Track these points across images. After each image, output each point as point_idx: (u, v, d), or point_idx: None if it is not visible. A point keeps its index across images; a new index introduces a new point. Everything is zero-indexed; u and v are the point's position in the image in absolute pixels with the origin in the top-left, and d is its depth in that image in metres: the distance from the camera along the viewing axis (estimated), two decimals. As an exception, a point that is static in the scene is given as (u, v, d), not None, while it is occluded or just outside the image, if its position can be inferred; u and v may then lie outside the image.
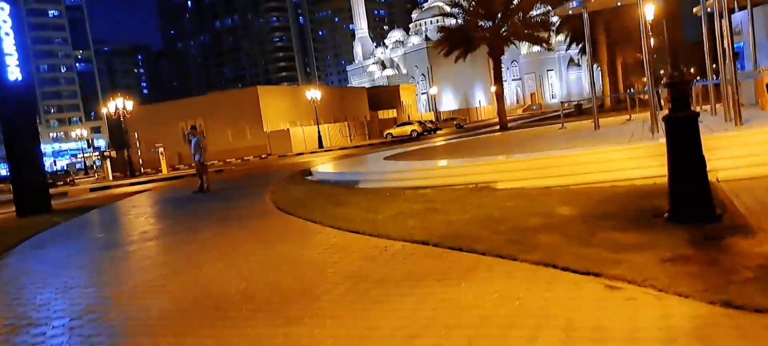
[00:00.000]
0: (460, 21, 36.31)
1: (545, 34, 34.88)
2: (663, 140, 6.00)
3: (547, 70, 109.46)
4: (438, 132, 57.10)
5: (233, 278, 5.80)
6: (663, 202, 6.08)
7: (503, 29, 34.43)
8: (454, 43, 35.70)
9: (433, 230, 6.62)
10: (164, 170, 37.33)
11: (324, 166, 17.24)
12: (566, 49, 48.48)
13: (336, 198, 10.37)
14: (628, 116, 20.47)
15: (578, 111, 47.69)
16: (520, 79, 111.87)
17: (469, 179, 10.14)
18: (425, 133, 53.59)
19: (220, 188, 17.51)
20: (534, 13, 35.05)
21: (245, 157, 48.35)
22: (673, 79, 5.67)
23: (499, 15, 33.84)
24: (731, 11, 18.49)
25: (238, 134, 51.60)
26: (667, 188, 5.86)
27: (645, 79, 13.85)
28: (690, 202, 5.58)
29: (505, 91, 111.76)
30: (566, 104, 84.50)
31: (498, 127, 36.86)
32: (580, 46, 63.93)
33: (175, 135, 52.20)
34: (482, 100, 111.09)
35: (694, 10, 20.05)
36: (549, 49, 40.50)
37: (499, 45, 34.36)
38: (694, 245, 4.85)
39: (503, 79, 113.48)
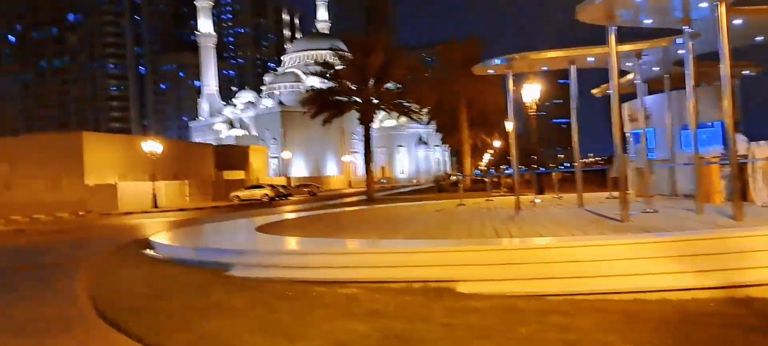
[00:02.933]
0: (329, 84, 33.76)
1: (414, 107, 33.48)
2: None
3: (397, 146, 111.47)
4: (290, 198, 53.35)
5: None
6: None
7: (373, 97, 32.45)
8: (323, 105, 32.88)
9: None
10: (-56, 224, 28.98)
11: (169, 235, 12.78)
12: (427, 124, 48.06)
13: (204, 297, 6.40)
14: (487, 197, 18.88)
15: (439, 188, 47.19)
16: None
17: (409, 274, 6.82)
18: (277, 199, 49.53)
19: (3, 261, 12.02)
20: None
21: (59, 214, 40.33)
22: None
23: (372, 81, 31.86)
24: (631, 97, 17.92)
25: (51, 186, 43.33)
26: None
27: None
28: None
29: (356, 162, 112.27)
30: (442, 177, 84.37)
31: (364, 197, 34.29)
32: (431, 125, 65.06)
33: (-34, 181, 42.55)
34: (334, 169, 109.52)
35: (594, 91, 19.19)
36: (416, 121, 39.34)
37: (370, 111, 32.17)
38: None
39: (355, 150, 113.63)
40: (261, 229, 12.09)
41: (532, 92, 22.49)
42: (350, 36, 32.09)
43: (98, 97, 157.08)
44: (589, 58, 12.09)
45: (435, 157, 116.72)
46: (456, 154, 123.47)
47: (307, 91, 36.51)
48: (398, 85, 32.46)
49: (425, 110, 62.90)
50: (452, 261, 6.86)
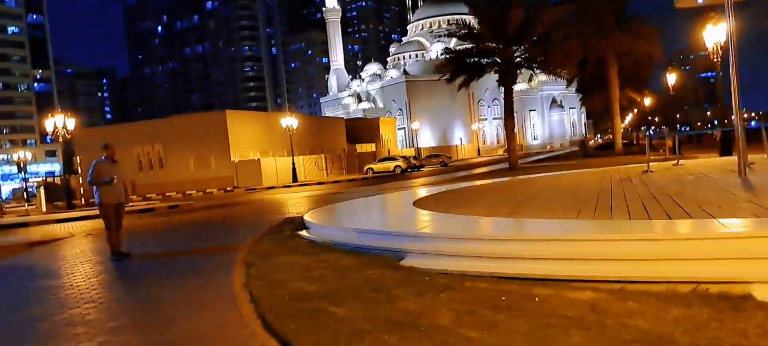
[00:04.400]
0: (465, 45, 31.59)
1: (562, 64, 30.30)
2: None
3: (529, 111, 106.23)
4: (422, 169, 52.15)
5: None
6: None
7: (517, 55, 29.82)
8: (459, 68, 30.82)
9: None
10: (109, 202, 31.17)
11: (323, 214, 11.64)
12: (569, 84, 44.23)
13: (388, 302, 4.90)
14: (676, 161, 15.63)
15: (584, 152, 43.51)
16: (500, 118, 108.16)
17: (666, 270, 4.84)
18: (409, 170, 48.53)
19: (154, 248, 10.76)
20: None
21: (208, 190, 42.34)
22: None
23: (512, 37, 29.24)
24: None
25: (201, 163, 45.57)
26: None
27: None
28: None
29: (486, 130, 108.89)
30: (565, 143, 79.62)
31: (506, 166, 32.01)
32: (573, 85, 60.37)
33: (128, 162, 45.88)
34: (462, 138, 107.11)
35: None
36: (563, 80, 36.04)
37: (512, 71, 29.64)
38: None
39: (483, 117, 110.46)
40: (419, 205, 10.57)
41: (715, 34, 18.84)
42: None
43: (236, 79, 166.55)
44: None
45: (570, 121, 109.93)
46: (592, 117, 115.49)
47: (442, 53, 34.39)
48: (542, 42, 29.50)
49: (542, 78, 58.30)
50: (735, 252, 4.78)
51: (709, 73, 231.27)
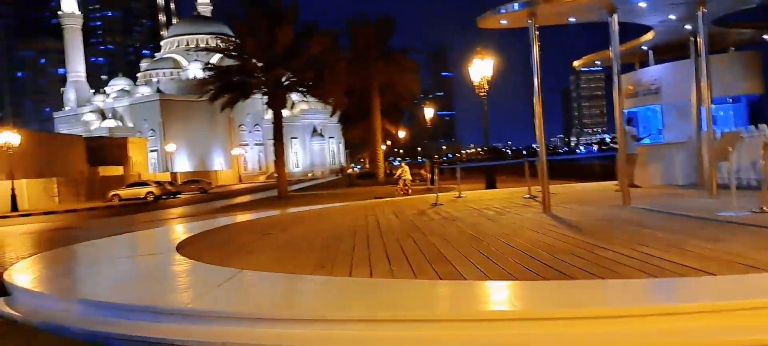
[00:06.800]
0: (230, 62, 29.06)
1: (331, 90, 29.67)
2: None
3: (292, 138, 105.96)
4: (179, 196, 47.44)
5: None
6: None
7: (284, 78, 28.27)
8: (224, 86, 28.09)
9: None
10: None
11: (38, 265, 8.21)
12: (332, 113, 44.38)
13: None
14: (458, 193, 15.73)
15: (348, 181, 43.76)
16: (262, 144, 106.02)
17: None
18: (164, 197, 43.61)
19: None
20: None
21: None
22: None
23: (281, 57, 27.62)
24: (644, 64, 15.58)
25: None
26: None
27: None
28: None
29: (248, 155, 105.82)
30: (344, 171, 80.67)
31: (275, 194, 30.08)
32: (328, 115, 61.44)
33: None
34: (221, 164, 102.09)
35: (575, 63, 16.67)
36: (334, 109, 35.62)
37: (281, 94, 27.97)
38: None
39: (246, 142, 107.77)
40: (185, 251, 8.01)
41: (482, 69, 19.62)
42: (253, 6, 27.50)
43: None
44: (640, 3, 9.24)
45: (330, 150, 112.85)
46: (350, 147, 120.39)
47: (204, 69, 31.28)
48: (312, 65, 28.48)
49: (303, 106, 59.07)
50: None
51: (445, 112, 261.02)
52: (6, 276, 6.90)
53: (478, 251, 6.44)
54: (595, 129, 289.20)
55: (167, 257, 7.57)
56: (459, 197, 14.53)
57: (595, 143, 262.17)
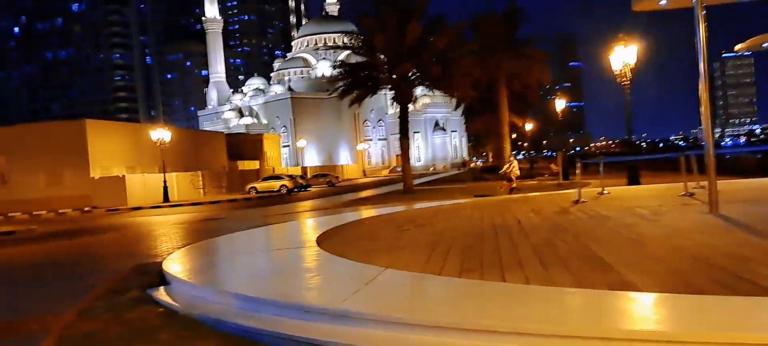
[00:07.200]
0: (358, 59, 29.58)
1: (459, 83, 29.11)
2: None
3: (414, 133, 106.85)
4: (309, 189, 49.42)
5: None
6: None
7: (412, 73, 28.23)
8: (353, 83, 28.65)
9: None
10: (-73, 226, 25.07)
11: (192, 260, 8.58)
12: (456, 107, 43.89)
13: None
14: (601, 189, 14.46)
15: (472, 175, 43.08)
16: (385, 139, 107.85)
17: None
18: (296, 190, 45.60)
19: None
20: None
21: (61, 210, 36.61)
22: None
23: (409, 52, 27.60)
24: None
25: (53, 179, 39.51)
26: None
27: None
28: None
29: (371, 150, 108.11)
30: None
31: (400, 187, 30.25)
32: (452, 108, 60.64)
33: (-41, 176, 38.78)
34: (347, 158, 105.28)
35: (738, 47, 14.95)
36: (461, 102, 35.18)
37: (408, 89, 27.98)
38: None
39: (370, 137, 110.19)
40: (326, 245, 8.04)
41: (624, 56, 18.19)
42: (383, 4, 27.69)
43: (104, 89, 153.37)
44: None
45: (452, 144, 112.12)
46: (472, 140, 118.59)
47: (335, 67, 32.13)
48: (440, 59, 28.18)
49: (426, 100, 58.45)
50: None
51: (573, 103, 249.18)
52: (164, 266, 7.30)
53: (645, 257, 5.77)
54: (743, 119, 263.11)
55: (310, 251, 7.63)
56: (602, 193, 13.52)
57: (743, 135, 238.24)
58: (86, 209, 36.77)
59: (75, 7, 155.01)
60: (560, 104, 34.96)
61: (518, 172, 23.46)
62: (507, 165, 23.36)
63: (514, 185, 22.28)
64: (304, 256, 7.39)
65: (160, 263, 7.93)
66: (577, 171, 13.31)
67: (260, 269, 7.25)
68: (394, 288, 5.32)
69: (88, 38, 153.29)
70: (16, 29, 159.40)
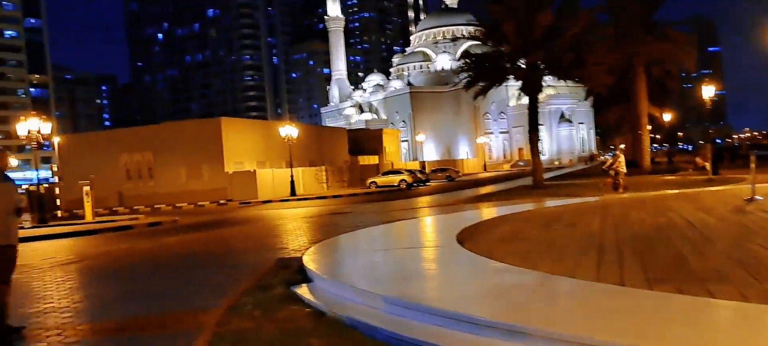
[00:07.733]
0: (482, 49, 28.56)
1: (592, 71, 27.10)
2: None
3: (538, 125, 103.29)
4: (428, 184, 48.99)
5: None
6: None
7: (541, 62, 26.71)
8: (481, 73, 27.69)
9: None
10: (88, 216, 27.68)
11: (330, 256, 8.29)
12: (586, 98, 41.33)
13: None
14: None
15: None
16: (507, 132, 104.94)
17: None
18: (415, 185, 45.37)
19: (59, 315, 7.05)
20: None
21: (200, 203, 39.10)
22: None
23: (539, 40, 26.13)
24: None
25: (193, 174, 42.32)
26: None
27: None
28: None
29: (492, 144, 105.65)
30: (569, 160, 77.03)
31: (531, 183, 28.88)
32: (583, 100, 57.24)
33: (114, 170, 42.68)
34: (466, 152, 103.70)
35: None
36: (591, 91, 33.02)
37: (537, 78, 26.54)
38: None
39: (491, 131, 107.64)
40: (469, 244, 7.36)
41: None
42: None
43: (236, 88, 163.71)
44: None
45: (579, 136, 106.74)
46: (600, 133, 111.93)
47: (462, 55, 31.39)
48: (573, 46, 26.41)
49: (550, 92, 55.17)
50: None
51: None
52: (306, 262, 7.02)
53: None
54: None
55: (451, 250, 7.01)
56: None
57: None
58: (222, 201, 38.98)
59: (210, 12, 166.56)
60: (708, 91, 31.38)
61: (625, 168, 20.73)
62: (612, 159, 21.05)
63: (623, 184, 19.80)
64: (449, 256, 6.78)
65: (300, 258, 7.71)
66: (751, 165, 11.53)
67: (403, 268, 6.74)
68: (581, 302, 4.50)
69: (221, 41, 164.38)
70: (160, 36, 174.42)
